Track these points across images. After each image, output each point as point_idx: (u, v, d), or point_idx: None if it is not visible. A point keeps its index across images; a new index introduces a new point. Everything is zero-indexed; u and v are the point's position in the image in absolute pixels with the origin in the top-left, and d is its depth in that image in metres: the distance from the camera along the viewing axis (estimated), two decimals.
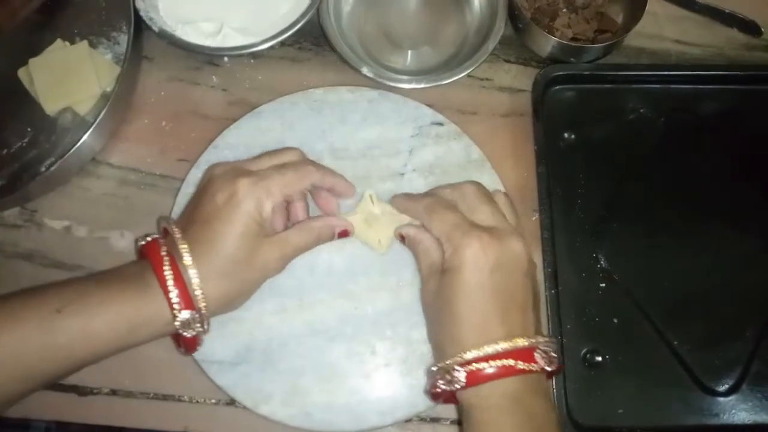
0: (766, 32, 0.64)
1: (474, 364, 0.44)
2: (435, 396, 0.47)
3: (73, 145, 0.55)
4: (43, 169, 0.58)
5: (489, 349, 0.44)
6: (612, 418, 0.54)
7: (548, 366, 0.45)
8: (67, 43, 0.61)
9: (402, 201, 0.54)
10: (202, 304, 0.46)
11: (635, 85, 0.62)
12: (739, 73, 0.63)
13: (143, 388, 0.54)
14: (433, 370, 0.46)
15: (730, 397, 0.54)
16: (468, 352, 0.44)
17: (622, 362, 0.55)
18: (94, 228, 0.58)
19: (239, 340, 0.53)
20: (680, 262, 0.58)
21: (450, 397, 0.46)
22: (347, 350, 0.53)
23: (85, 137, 0.55)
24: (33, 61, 0.59)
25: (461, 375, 0.44)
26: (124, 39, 0.61)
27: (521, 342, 0.44)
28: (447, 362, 0.45)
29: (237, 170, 0.49)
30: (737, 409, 0.54)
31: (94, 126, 0.55)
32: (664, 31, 0.65)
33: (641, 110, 0.62)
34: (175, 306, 0.45)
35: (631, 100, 0.62)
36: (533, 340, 0.45)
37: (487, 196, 0.51)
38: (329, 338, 0.53)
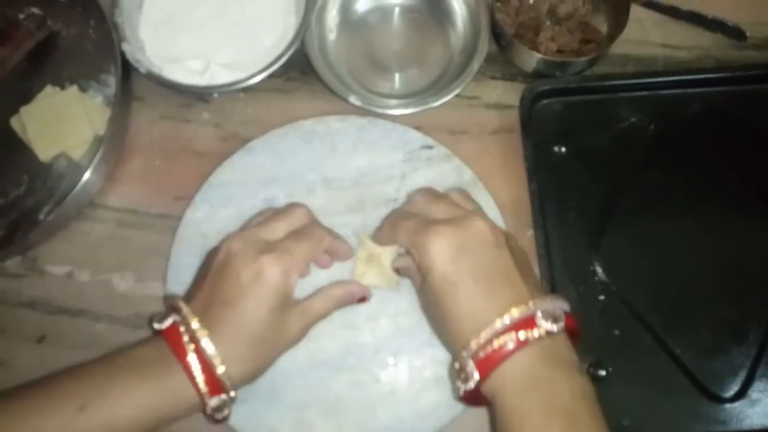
0: (751, 32, 0.64)
1: (480, 351, 0.43)
2: (465, 399, 0.45)
3: (70, 191, 0.56)
4: (41, 216, 0.59)
5: (488, 332, 0.43)
6: None
7: (553, 325, 0.43)
8: (57, 89, 0.61)
9: (378, 235, 0.54)
10: (231, 390, 0.45)
11: (623, 93, 0.62)
12: (726, 74, 0.62)
13: None
14: (452, 375, 0.46)
15: (736, 403, 0.54)
16: (471, 342, 0.43)
17: (625, 374, 0.55)
18: (96, 271, 0.58)
19: None
20: (678, 269, 0.57)
21: (481, 397, 0.44)
22: (351, 380, 0.53)
23: (81, 182, 0.56)
24: (24, 109, 0.60)
25: (472, 368, 0.43)
26: (113, 81, 0.61)
27: (516, 312, 0.43)
28: (459, 359, 0.44)
29: (256, 244, 0.48)
30: (744, 415, 0.54)
31: (89, 170, 0.56)
32: (650, 36, 0.65)
33: (631, 118, 0.61)
34: (204, 395, 0.44)
35: (619, 109, 0.62)
36: (528, 305, 0.43)
37: (436, 194, 0.52)
38: (333, 369, 0.53)
